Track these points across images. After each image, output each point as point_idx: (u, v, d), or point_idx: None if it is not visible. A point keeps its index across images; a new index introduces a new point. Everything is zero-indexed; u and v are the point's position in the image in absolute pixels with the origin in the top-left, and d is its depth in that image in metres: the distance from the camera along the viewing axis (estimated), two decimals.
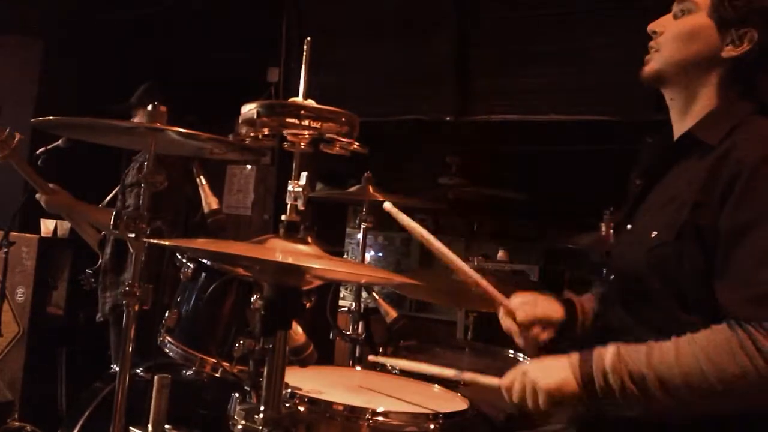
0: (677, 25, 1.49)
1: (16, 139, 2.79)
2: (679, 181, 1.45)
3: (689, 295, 1.36)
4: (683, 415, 1.32)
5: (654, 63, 1.51)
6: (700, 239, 1.34)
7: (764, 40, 1.41)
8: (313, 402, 1.62)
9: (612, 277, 1.57)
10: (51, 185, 3.03)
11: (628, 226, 1.55)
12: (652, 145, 1.62)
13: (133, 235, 1.75)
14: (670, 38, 1.49)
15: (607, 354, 1.33)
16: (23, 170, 2.94)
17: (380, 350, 2.48)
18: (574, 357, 1.37)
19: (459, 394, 1.89)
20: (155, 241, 1.40)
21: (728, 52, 1.43)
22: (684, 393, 1.26)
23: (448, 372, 1.64)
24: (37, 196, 3.05)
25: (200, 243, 1.41)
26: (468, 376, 1.58)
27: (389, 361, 2.09)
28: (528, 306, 1.61)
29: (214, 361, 2.05)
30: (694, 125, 1.47)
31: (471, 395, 1.87)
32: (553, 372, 1.38)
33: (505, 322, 1.61)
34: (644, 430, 1.40)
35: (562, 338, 1.62)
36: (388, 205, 1.52)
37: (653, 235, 1.41)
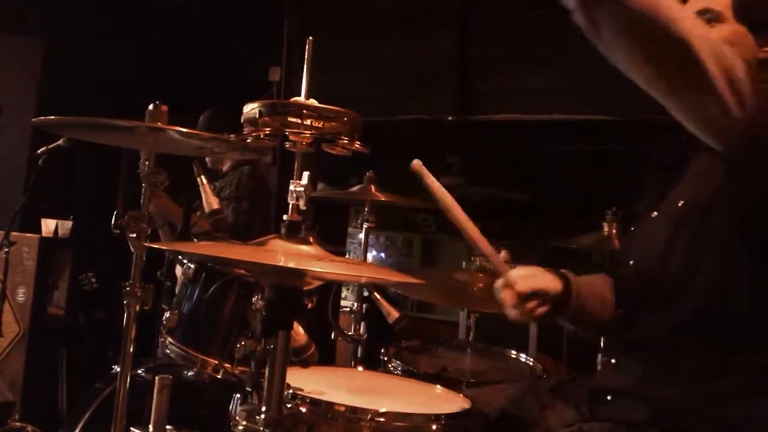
0: (719, 32, 1.47)
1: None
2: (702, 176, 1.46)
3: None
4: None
5: None
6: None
7: None
8: (314, 403, 1.61)
9: (632, 262, 1.56)
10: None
11: (654, 214, 1.56)
12: (676, 138, 1.62)
13: (134, 236, 1.74)
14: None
15: None
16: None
17: (381, 351, 2.47)
18: None
19: (461, 395, 1.88)
20: (155, 245, 1.39)
21: (765, 53, 1.46)
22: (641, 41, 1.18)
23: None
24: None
25: (201, 245, 1.41)
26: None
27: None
28: (528, 278, 1.61)
29: (216, 362, 2.05)
30: None
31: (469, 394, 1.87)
32: None
33: (501, 293, 1.61)
34: None
35: (556, 313, 1.61)
36: (417, 164, 1.51)
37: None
